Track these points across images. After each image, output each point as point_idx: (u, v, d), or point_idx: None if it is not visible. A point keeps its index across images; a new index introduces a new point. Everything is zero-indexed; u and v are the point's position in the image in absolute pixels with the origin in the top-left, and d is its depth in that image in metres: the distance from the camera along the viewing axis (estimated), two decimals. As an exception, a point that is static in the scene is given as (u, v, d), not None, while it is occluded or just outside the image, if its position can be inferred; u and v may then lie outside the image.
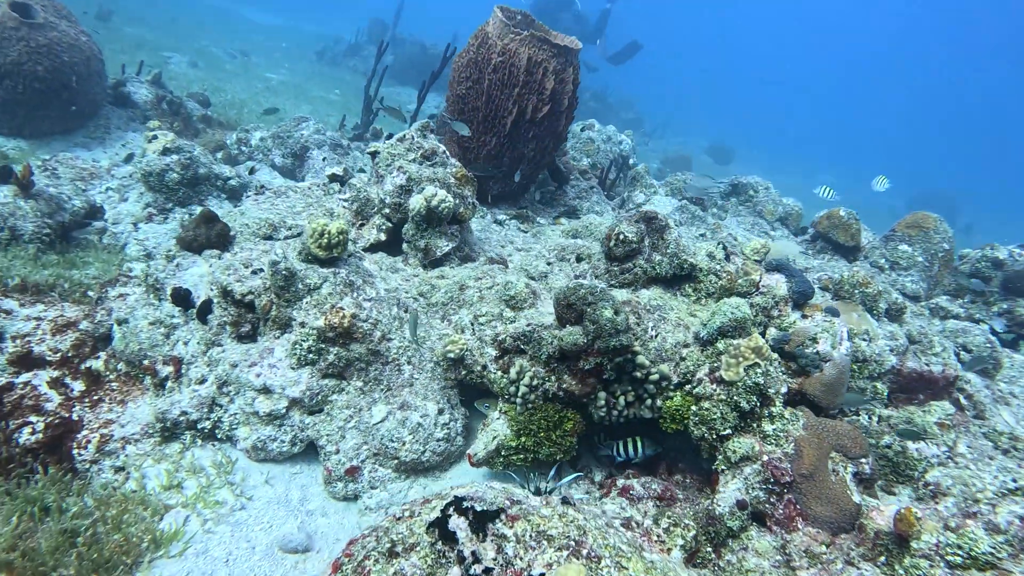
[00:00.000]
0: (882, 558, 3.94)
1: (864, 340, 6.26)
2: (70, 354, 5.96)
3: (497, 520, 3.21)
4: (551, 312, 5.63)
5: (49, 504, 4.54)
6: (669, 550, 3.58)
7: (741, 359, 4.72)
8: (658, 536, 3.69)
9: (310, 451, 5.56)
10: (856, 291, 6.82)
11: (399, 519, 3.44)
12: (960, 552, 3.62)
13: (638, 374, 5.05)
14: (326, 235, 5.37)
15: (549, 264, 6.92)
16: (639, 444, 5.32)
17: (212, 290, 5.66)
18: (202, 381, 5.51)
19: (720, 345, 5.01)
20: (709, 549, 4.47)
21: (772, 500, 4.48)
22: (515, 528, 3.15)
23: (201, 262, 6.15)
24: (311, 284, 5.36)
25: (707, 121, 47.81)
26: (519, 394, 5.19)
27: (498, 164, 8.74)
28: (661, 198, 11.39)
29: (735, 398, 4.75)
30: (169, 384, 5.62)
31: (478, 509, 3.28)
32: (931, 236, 9.34)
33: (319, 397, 5.33)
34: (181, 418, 5.34)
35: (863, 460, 4.68)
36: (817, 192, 9.65)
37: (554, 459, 5.44)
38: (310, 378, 5.28)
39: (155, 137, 8.56)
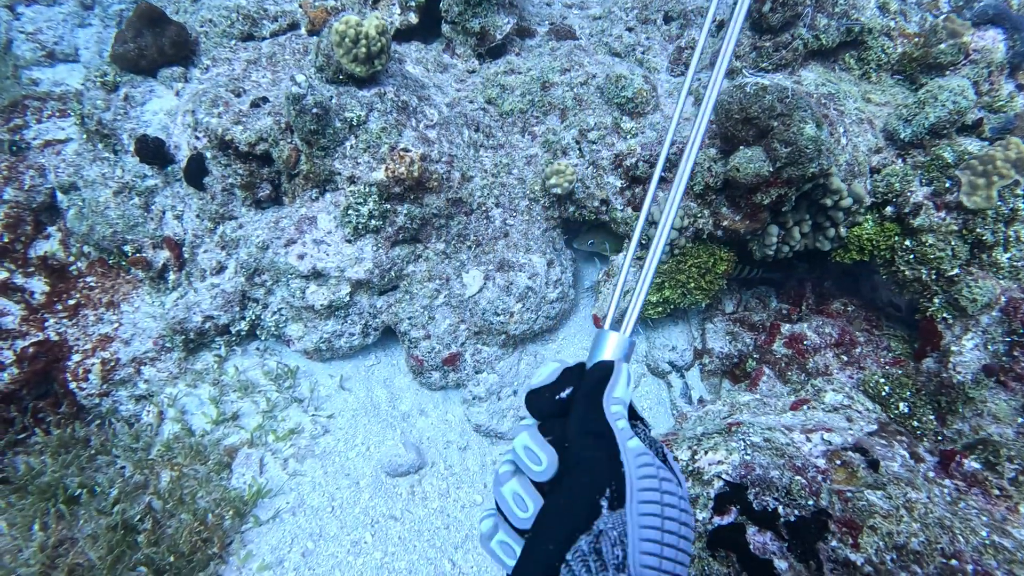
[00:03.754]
0: None
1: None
2: (5, 238, 4.20)
3: (829, 536, 2.14)
4: (687, 115, 4.07)
5: (72, 487, 3.28)
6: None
7: (995, 178, 3.44)
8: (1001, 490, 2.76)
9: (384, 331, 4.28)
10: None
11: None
12: None
13: (827, 200, 3.75)
14: (363, 40, 3.45)
15: (630, 30, 5.09)
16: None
17: (199, 138, 3.81)
18: (220, 270, 3.96)
19: (946, 153, 3.66)
20: (931, 416, 3.65)
21: (1014, 352, 3.56)
22: (863, 545, 2.11)
23: (161, 89, 4.15)
24: (353, 119, 3.58)
25: None
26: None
27: None
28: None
29: (977, 230, 3.56)
30: (172, 276, 4.05)
31: (788, 517, 2.18)
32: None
33: (392, 273, 3.91)
34: (207, 324, 3.89)
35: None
36: None
37: (697, 306, 4.35)
38: (375, 250, 3.80)
39: None
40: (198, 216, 3.93)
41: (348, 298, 3.86)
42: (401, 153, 3.61)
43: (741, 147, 3.55)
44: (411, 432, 4.06)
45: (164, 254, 4.04)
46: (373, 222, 3.70)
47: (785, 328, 4.24)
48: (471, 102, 4.31)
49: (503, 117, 4.36)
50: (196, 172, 3.83)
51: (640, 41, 5.00)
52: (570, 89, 4.27)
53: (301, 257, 3.73)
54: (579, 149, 4.12)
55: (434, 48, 4.62)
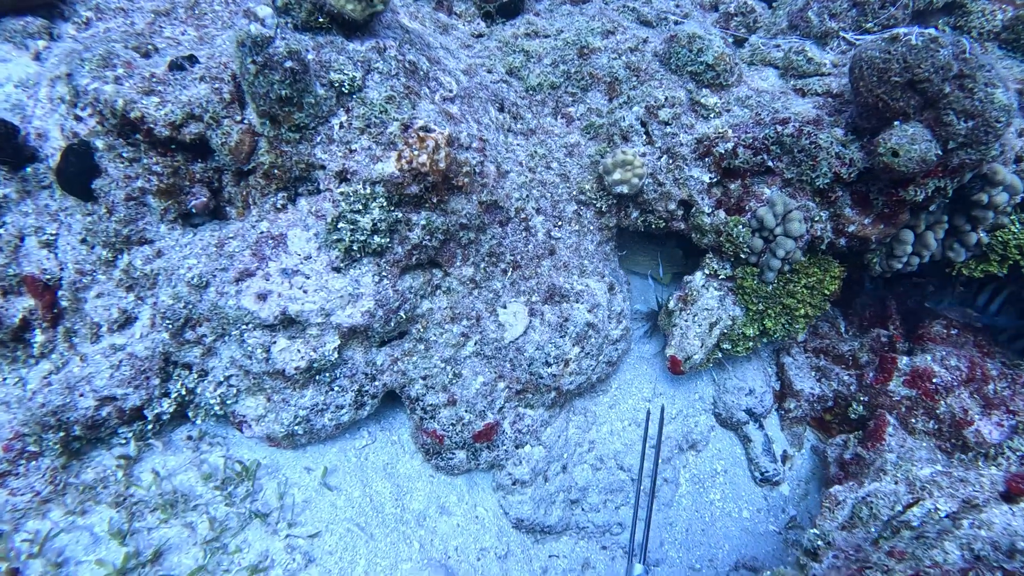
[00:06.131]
0: None
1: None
2: None
3: None
4: (782, 88, 3.08)
5: None
6: None
7: None
8: None
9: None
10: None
11: None
12: None
13: (983, 196, 2.85)
14: (363, -45, 2.19)
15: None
16: None
17: (81, 118, 2.37)
18: (126, 323, 2.51)
19: None
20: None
21: None
22: None
23: (6, 49, 2.65)
24: (344, 82, 2.30)
25: None
26: (781, 254, 2.84)
27: None
28: None
29: None
30: (39, 337, 2.54)
31: None
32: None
33: (401, 314, 2.62)
34: (105, 409, 2.43)
35: None
36: None
37: (793, 336, 3.36)
38: (378, 282, 2.50)
39: None
40: (84, 241, 2.47)
41: (336, 354, 2.53)
42: (420, 134, 2.35)
43: (896, 122, 2.57)
44: (432, 542, 2.77)
45: (24, 303, 2.53)
46: (376, 239, 2.41)
47: (903, 362, 3.31)
48: (489, 72, 3.11)
49: (529, 93, 3.20)
50: (79, 172, 2.37)
51: (671, 8, 3.99)
52: (618, 56, 3.18)
53: (263, 297, 2.37)
54: (646, 133, 3.02)
55: (424, 5, 3.38)
